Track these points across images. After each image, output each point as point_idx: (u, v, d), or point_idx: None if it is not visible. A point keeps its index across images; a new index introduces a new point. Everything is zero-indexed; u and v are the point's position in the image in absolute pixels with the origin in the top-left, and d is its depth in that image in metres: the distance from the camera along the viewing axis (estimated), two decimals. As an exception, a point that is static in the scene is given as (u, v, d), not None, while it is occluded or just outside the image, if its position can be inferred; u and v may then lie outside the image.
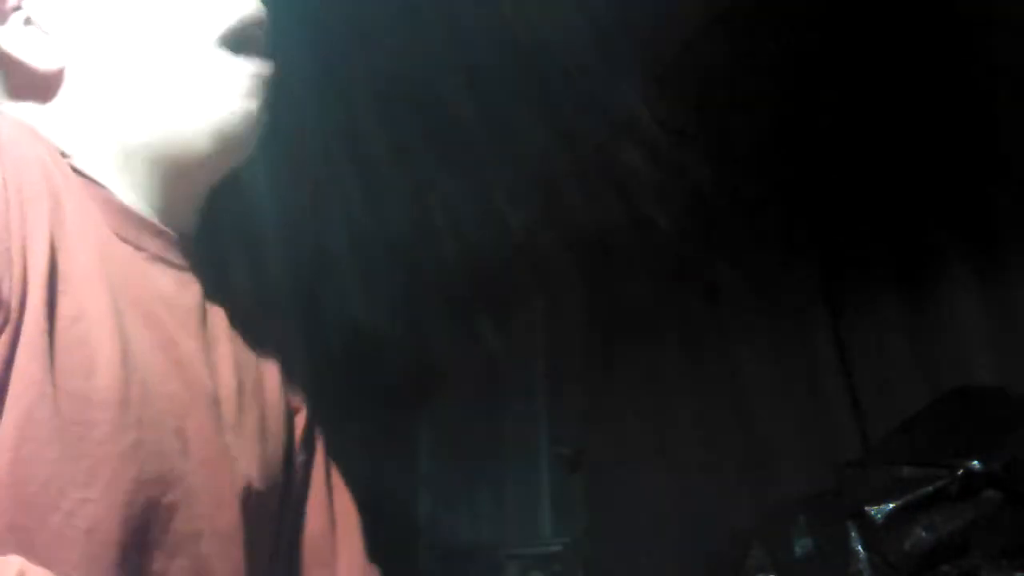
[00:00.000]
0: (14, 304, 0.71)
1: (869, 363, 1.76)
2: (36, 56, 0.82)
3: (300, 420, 1.04)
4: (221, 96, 0.85)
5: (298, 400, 1.04)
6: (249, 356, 0.97)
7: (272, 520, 0.95)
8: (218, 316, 0.93)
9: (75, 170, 0.84)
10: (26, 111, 0.85)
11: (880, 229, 1.79)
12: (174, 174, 0.88)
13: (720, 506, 1.79)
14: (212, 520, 0.84)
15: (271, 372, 0.99)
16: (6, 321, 0.71)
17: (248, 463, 0.90)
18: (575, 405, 2.13)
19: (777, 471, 1.79)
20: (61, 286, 0.75)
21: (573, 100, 1.69)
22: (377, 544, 2.04)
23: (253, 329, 0.97)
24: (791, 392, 1.84)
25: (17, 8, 0.82)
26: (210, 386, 0.88)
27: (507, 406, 2.20)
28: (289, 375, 1.02)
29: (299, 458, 1.02)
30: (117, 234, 0.84)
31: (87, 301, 0.77)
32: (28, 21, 0.82)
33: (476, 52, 1.56)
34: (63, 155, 0.84)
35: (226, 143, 0.87)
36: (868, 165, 1.79)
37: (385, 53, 1.26)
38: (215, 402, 0.88)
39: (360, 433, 2.01)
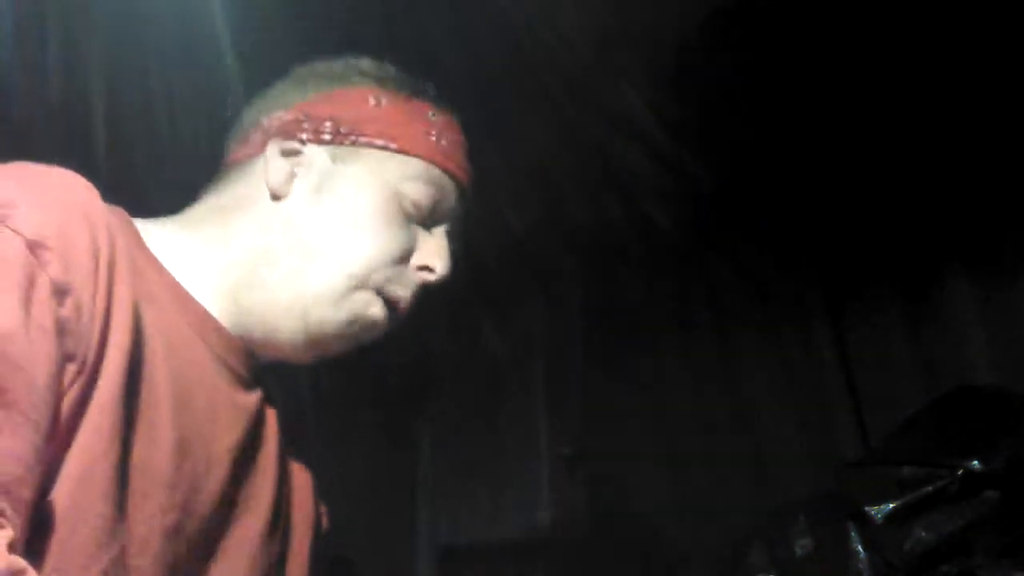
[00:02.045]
0: (90, 358, 0.77)
1: (869, 363, 1.77)
2: (278, 175, 0.99)
3: (324, 523, 1.13)
4: (336, 307, 0.97)
5: (326, 524, 1.13)
6: (289, 473, 1.05)
7: None
8: (271, 420, 1.02)
9: (155, 260, 0.93)
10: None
11: (880, 230, 1.79)
12: (265, 328, 0.98)
13: (720, 506, 1.80)
14: None
15: (303, 487, 1.08)
16: (79, 373, 0.77)
17: (271, 564, 0.98)
18: (575, 405, 2.13)
19: (777, 471, 1.79)
20: (139, 359, 0.83)
21: (573, 100, 1.69)
22: (377, 544, 2.04)
23: (293, 450, 1.07)
24: (791, 392, 1.84)
25: (302, 143, 1.00)
26: (250, 487, 0.96)
27: (507, 406, 2.20)
28: (319, 501, 1.11)
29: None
30: (185, 323, 0.92)
31: (157, 381, 0.85)
32: (296, 154, 1.00)
33: (476, 52, 1.56)
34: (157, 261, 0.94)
35: (311, 337, 0.98)
36: (868, 166, 1.79)
37: (385, 53, 1.26)
38: (253, 502, 0.96)
39: (360, 433, 2.02)
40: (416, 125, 1.04)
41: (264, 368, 1.02)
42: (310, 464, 1.10)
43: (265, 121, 1.03)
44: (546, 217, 1.93)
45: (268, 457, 0.99)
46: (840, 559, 1.30)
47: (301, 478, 1.08)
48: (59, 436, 0.75)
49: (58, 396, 0.75)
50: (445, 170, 1.05)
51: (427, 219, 1.04)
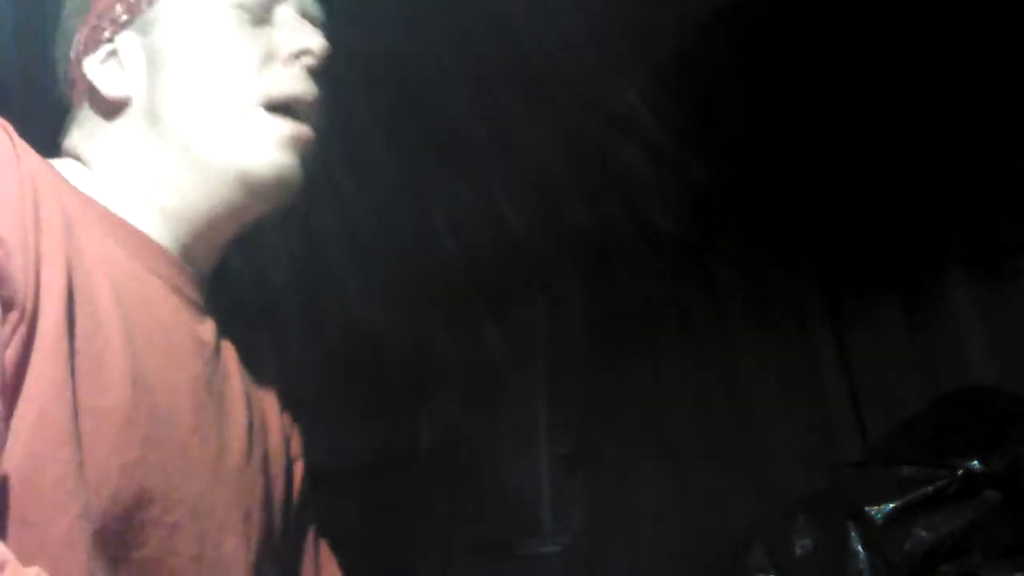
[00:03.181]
0: (28, 305, 0.74)
1: (869, 363, 1.76)
2: (107, 84, 0.93)
3: (298, 469, 1.07)
4: (251, 146, 0.91)
5: (296, 449, 1.08)
6: (256, 395, 1.01)
7: (273, 556, 0.97)
8: (230, 352, 0.97)
9: (95, 203, 0.90)
10: (77, 142, 0.95)
11: (880, 230, 1.79)
12: (202, 217, 0.93)
13: (720, 506, 1.79)
14: (215, 544, 0.87)
15: (273, 416, 1.03)
16: (20, 320, 0.74)
17: (253, 494, 0.93)
18: (575, 405, 2.13)
19: (777, 471, 1.79)
20: (78, 300, 0.79)
21: (573, 100, 1.69)
22: (376, 543, 2.03)
23: (258, 371, 1.02)
24: (791, 392, 1.84)
25: (109, 41, 0.94)
26: (219, 415, 0.91)
27: (507, 406, 2.20)
28: (288, 423, 1.07)
29: (295, 506, 1.05)
30: (137, 261, 0.89)
31: (102, 320, 0.81)
32: (112, 54, 0.94)
33: (476, 51, 1.56)
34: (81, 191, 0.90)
35: (252, 191, 0.92)
36: (868, 166, 1.79)
37: (385, 53, 1.26)
38: (223, 430, 0.91)
39: (360, 433, 2.02)
40: None
41: (215, 299, 0.97)
42: (273, 386, 1.05)
43: (72, 53, 0.97)
44: (546, 217, 1.93)
45: (233, 385, 0.95)
46: (840, 559, 1.30)
47: (268, 402, 1.03)
48: (8, 386, 0.73)
49: (2, 346, 0.72)
50: None
51: (268, 15, 0.96)
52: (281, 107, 0.94)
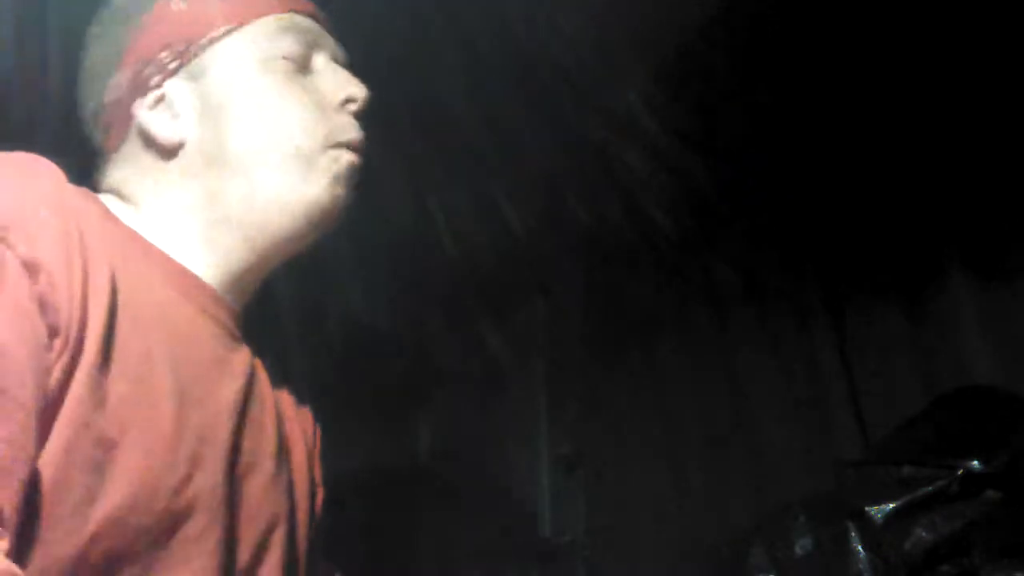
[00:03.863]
0: (72, 334, 0.78)
1: (869, 363, 1.77)
2: (161, 128, 0.98)
3: (319, 496, 1.12)
4: (318, 181, 0.97)
5: (319, 476, 1.12)
6: (286, 421, 1.05)
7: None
8: (263, 379, 1.02)
9: (140, 238, 0.94)
10: (122, 182, 0.99)
11: (880, 230, 1.79)
12: (255, 251, 0.98)
13: (720, 506, 1.80)
14: (256, 561, 0.93)
15: (300, 443, 1.08)
16: (64, 348, 0.77)
17: (277, 516, 0.98)
18: (575, 404, 2.13)
19: (777, 471, 1.79)
20: (123, 328, 0.83)
21: (573, 100, 1.69)
22: (376, 543, 2.04)
23: (287, 399, 1.08)
24: (791, 392, 1.84)
25: (157, 87, 0.98)
26: (252, 439, 0.96)
27: (507, 406, 2.20)
28: (314, 450, 1.11)
29: (313, 531, 1.09)
30: (178, 293, 0.93)
31: (148, 346, 0.85)
32: (161, 99, 0.98)
33: (477, 52, 1.56)
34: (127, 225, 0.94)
35: (313, 221, 0.98)
36: (869, 167, 1.79)
37: (385, 53, 1.26)
38: (255, 454, 0.96)
39: (360, 433, 2.02)
40: None
41: (251, 333, 1.02)
42: (302, 412, 1.10)
43: (107, 97, 1.00)
44: (546, 217, 1.93)
45: (266, 411, 1.00)
46: (840, 559, 1.30)
47: (296, 429, 1.08)
48: (48, 410, 0.76)
49: (46, 373, 0.76)
50: (290, 11, 1.03)
51: (308, 63, 1.03)
52: (339, 146, 1.00)
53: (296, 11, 1.03)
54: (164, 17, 1.00)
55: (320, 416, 1.14)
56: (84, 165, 1.04)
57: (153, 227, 0.96)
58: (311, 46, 1.03)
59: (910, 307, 1.74)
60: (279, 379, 1.07)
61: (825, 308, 1.83)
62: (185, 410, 0.86)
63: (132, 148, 1.00)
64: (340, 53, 1.08)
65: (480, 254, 1.94)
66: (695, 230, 1.94)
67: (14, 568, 0.70)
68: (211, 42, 0.99)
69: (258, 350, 1.03)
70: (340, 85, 1.02)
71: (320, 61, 1.04)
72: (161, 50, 0.99)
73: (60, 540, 0.76)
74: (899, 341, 1.74)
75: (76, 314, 0.79)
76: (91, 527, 0.78)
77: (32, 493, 0.75)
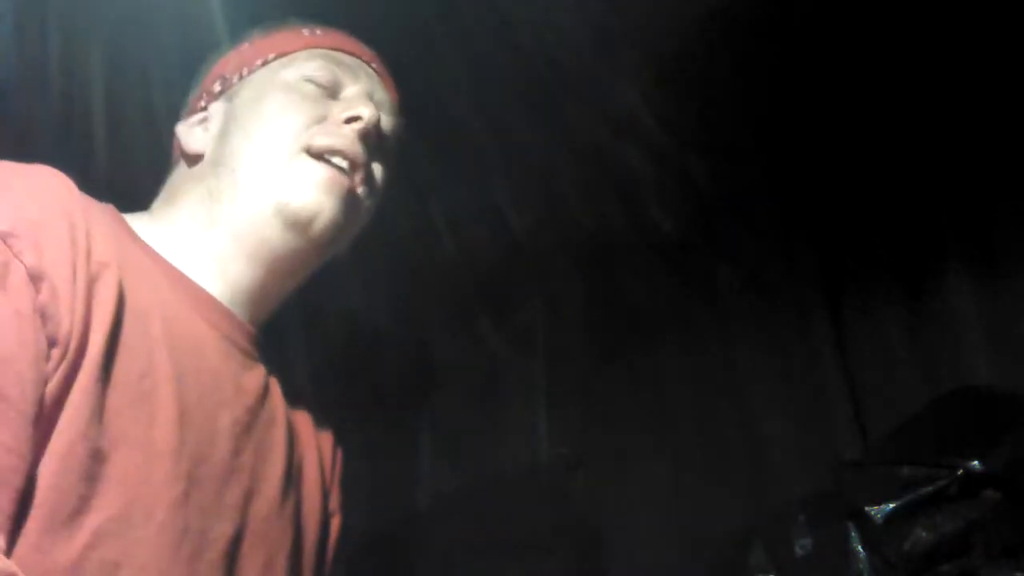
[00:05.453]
0: (73, 344, 0.79)
1: (869, 363, 1.76)
2: (189, 141, 1.05)
3: (335, 524, 1.12)
4: (291, 184, 0.99)
5: (335, 503, 1.12)
6: (299, 445, 1.06)
7: None
8: (277, 401, 1.02)
9: (152, 251, 0.96)
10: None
11: (880, 229, 1.79)
12: (252, 261, 1.00)
13: (720, 506, 1.79)
14: None
15: (314, 468, 1.08)
16: (63, 357, 0.78)
17: (279, 543, 0.97)
18: (575, 405, 2.13)
19: (777, 471, 1.79)
20: (128, 340, 0.84)
21: (573, 101, 1.69)
22: (376, 543, 2.04)
23: (305, 421, 1.08)
24: (791, 392, 1.84)
25: (203, 109, 1.07)
26: (255, 462, 0.96)
27: (507, 406, 2.20)
28: (331, 475, 1.12)
29: (328, 560, 1.10)
30: (189, 308, 0.94)
31: (153, 359, 0.86)
32: (203, 120, 1.06)
33: (477, 52, 1.56)
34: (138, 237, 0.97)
35: (289, 224, 0.98)
36: (868, 166, 1.79)
37: (386, 53, 1.26)
38: (257, 478, 0.96)
39: (360, 433, 2.02)
40: (290, 35, 1.09)
41: (265, 345, 1.03)
42: (321, 437, 1.11)
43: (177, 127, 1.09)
44: (546, 217, 1.93)
45: (276, 433, 1.00)
46: (840, 559, 1.30)
47: (311, 453, 1.08)
48: (45, 418, 0.77)
49: (44, 381, 0.76)
50: (331, 48, 1.08)
51: (338, 91, 1.06)
52: (323, 157, 1.01)
53: (338, 48, 1.08)
54: (235, 55, 1.09)
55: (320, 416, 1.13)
56: (84, 165, 1.05)
57: (163, 234, 0.98)
58: (344, 76, 1.06)
59: (910, 306, 1.74)
60: (297, 400, 1.07)
61: (825, 308, 1.83)
62: (185, 429, 0.86)
63: (175, 166, 1.08)
64: (384, 95, 1.10)
65: (480, 254, 1.94)
66: (695, 229, 1.94)
67: (13, 567, 0.70)
68: (252, 70, 1.06)
69: (276, 370, 1.03)
70: (350, 104, 1.04)
71: (349, 90, 1.07)
72: (217, 79, 1.07)
73: (56, 546, 0.76)
74: (899, 341, 1.74)
75: (77, 326, 0.79)
76: (85, 536, 0.78)
77: (28, 499, 0.75)
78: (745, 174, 1.88)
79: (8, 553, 0.72)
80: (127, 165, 1.37)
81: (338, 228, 1.01)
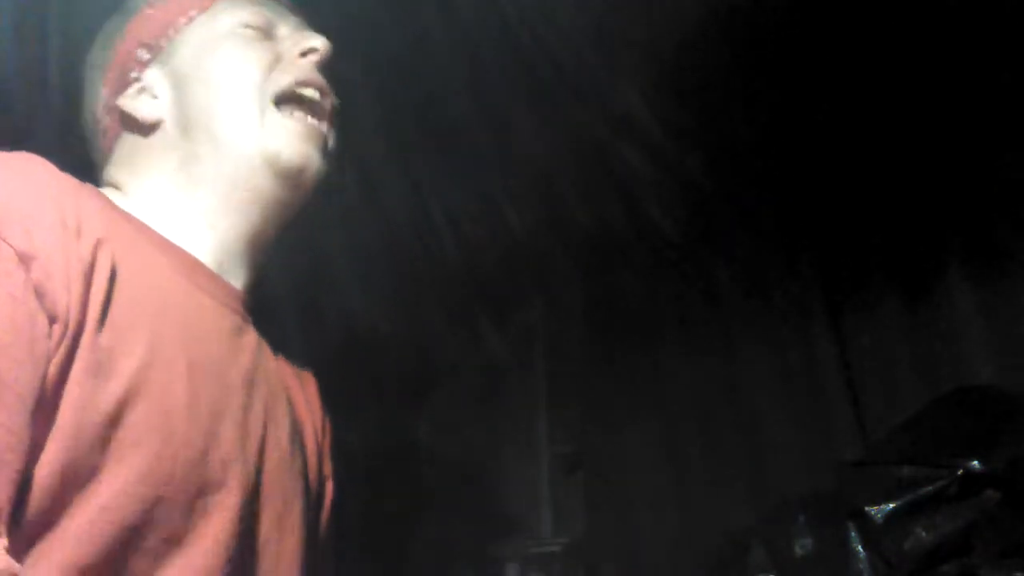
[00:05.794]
0: (73, 319, 0.80)
1: (869, 363, 1.76)
2: (142, 111, 1.04)
3: (328, 490, 1.12)
4: (275, 136, 1.00)
5: (328, 468, 1.13)
6: (294, 406, 1.06)
7: (311, 549, 1.03)
8: (270, 362, 1.03)
9: (137, 222, 0.96)
10: (118, 170, 1.04)
11: (880, 230, 1.79)
12: (236, 217, 1.00)
13: (720, 506, 1.80)
14: (277, 535, 0.95)
15: (309, 428, 1.09)
16: (64, 334, 0.79)
17: (295, 490, 0.99)
18: (575, 405, 2.13)
19: (777, 471, 1.79)
20: (127, 313, 0.85)
21: (573, 100, 1.69)
22: (375, 543, 2.04)
23: (295, 386, 1.09)
24: (791, 392, 1.84)
25: (137, 80, 1.05)
26: (263, 417, 0.97)
27: (507, 406, 2.20)
28: (320, 442, 1.12)
29: (322, 523, 1.10)
30: (179, 274, 0.95)
31: (156, 328, 0.87)
32: (142, 89, 1.05)
33: (476, 52, 1.56)
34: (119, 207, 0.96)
35: (278, 175, 1.00)
36: (868, 166, 1.79)
37: (385, 53, 1.27)
38: (267, 430, 0.97)
39: (360, 433, 2.02)
40: None
41: (254, 309, 1.03)
42: (309, 399, 1.12)
43: (99, 104, 1.07)
44: (546, 217, 1.93)
45: (276, 392, 1.01)
46: (840, 559, 1.30)
47: (304, 415, 1.09)
48: (50, 394, 0.77)
49: (46, 360, 0.77)
50: None
51: (272, 32, 1.08)
52: (294, 99, 1.03)
53: None
54: (141, 20, 1.07)
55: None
56: (84, 165, 1.05)
57: (143, 207, 0.99)
58: (274, 18, 1.09)
59: (910, 307, 1.74)
60: (286, 365, 1.09)
61: (825, 308, 1.83)
62: (198, 385, 0.88)
63: (123, 141, 1.05)
64: (306, 25, 1.12)
65: (480, 254, 1.94)
66: (695, 230, 1.94)
67: (13, 566, 0.70)
68: (178, 30, 1.06)
69: (264, 332, 1.04)
70: (300, 40, 1.07)
71: (284, 29, 1.09)
72: (138, 48, 1.06)
73: (74, 514, 0.77)
74: (899, 341, 1.74)
75: (75, 300, 0.80)
76: (101, 500, 0.79)
77: (43, 476, 0.76)
78: (745, 174, 1.87)
79: (7, 538, 0.73)
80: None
81: (321, 177, 1.04)
